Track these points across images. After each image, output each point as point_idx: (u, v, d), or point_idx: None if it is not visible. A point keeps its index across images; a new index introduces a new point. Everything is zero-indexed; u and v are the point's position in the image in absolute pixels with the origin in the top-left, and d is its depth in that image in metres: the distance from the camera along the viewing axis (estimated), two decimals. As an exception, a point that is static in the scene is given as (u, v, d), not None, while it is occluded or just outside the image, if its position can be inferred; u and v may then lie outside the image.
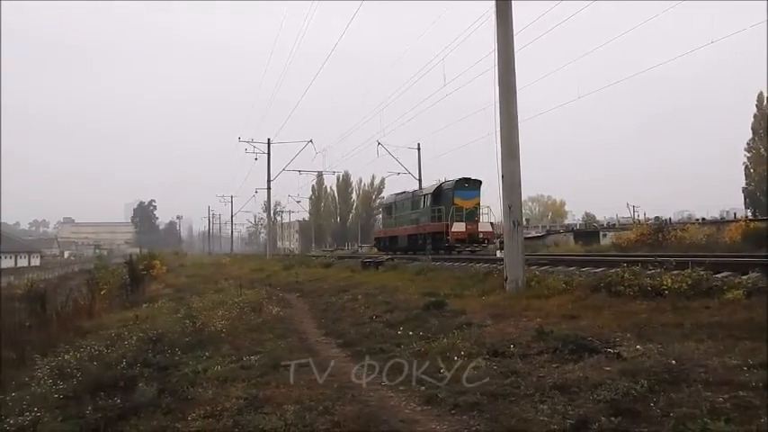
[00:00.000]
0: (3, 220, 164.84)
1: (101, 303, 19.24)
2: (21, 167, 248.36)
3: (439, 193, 31.29)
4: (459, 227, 28.55)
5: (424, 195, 32.90)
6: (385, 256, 27.24)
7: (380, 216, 53.08)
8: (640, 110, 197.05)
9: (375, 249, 42.31)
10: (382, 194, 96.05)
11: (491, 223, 30.04)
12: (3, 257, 74.30)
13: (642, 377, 5.10)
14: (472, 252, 27.54)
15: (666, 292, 8.89)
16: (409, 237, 33.46)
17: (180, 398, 6.12)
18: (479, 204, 30.34)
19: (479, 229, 29.34)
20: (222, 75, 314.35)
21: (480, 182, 30.53)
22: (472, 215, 29.59)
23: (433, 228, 30.14)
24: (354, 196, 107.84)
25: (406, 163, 48.04)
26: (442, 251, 28.59)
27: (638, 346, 6.21)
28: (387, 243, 37.37)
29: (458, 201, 29.42)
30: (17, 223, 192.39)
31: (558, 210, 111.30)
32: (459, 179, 30.54)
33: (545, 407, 4.86)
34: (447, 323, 9.10)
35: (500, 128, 12.63)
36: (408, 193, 37.14)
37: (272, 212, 63.94)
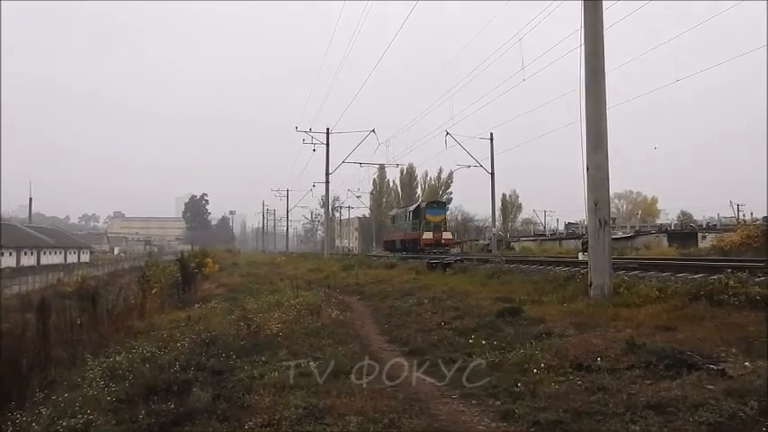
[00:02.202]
0: (53, 214, 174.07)
1: (152, 303, 19.92)
2: (69, 156, 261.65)
3: (418, 210, 47.62)
4: (428, 235, 44.30)
5: (410, 211, 49.59)
6: (453, 258, 27.67)
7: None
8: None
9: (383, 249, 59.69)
10: (450, 189, 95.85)
11: (451, 233, 48.58)
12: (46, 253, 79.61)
13: (751, 398, 4.94)
14: (437, 253, 38.38)
15: (779, 302, 8.54)
16: (401, 241, 50.24)
17: (236, 404, 6.26)
18: (445, 219, 47.53)
19: (443, 237, 44.94)
20: (281, 61, 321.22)
21: (445, 203, 49.84)
22: (438, 227, 45.13)
23: (413, 235, 46.61)
24: (420, 191, 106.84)
25: (477, 154, 47.65)
26: (419, 252, 41.41)
27: (746, 363, 6.00)
28: (390, 245, 54.95)
29: (428, 216, 45.35)
30: (67, 217, 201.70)
31: (648, 208, 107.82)
32: (431, 201, 49.79)
33: (637, 427, 4.75)
34: (524, 332, 9.02)
35: (585, 116, 12.36)
36: (403, 208, 57.29)
37: (330, 208, 64.60)
